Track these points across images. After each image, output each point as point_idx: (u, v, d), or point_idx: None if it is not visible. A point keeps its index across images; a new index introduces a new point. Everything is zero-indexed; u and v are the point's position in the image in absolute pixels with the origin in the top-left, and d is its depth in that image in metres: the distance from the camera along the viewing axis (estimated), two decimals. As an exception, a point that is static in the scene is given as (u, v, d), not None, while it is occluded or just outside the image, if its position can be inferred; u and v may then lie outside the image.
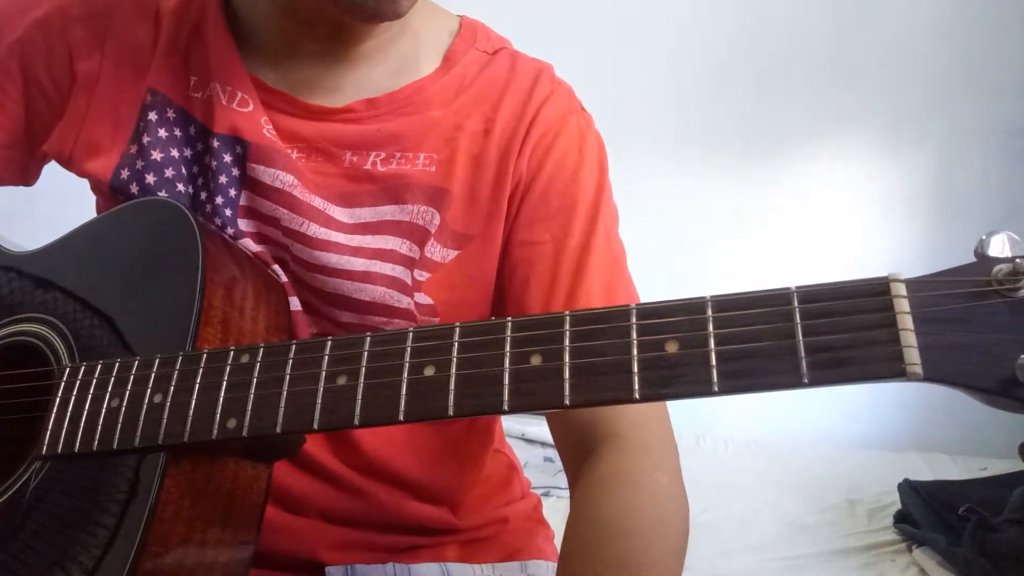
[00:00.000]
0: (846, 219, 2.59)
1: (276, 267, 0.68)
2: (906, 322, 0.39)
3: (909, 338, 0.38)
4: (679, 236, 2.56)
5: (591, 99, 0.75)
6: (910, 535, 1.88)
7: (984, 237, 0.40)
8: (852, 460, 2.35)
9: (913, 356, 0.38)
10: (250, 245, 0.68)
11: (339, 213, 0.67)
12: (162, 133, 0.69)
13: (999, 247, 0.40)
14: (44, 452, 0.55)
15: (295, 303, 0.68)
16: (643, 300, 0.45)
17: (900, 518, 1.95)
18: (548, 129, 0.70)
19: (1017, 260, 0.38)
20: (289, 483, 0.69)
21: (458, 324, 0.46)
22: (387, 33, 0.69)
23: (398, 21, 0.69)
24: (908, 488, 1.98)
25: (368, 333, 0.48)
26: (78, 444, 0.54)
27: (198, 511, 0.54)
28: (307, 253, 0.66)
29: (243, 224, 0.68)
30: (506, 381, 0.44)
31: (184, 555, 0.53)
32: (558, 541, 0.88)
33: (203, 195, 0.68)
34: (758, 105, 2.56)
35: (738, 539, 1.85)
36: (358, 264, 0.66)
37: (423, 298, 0.68)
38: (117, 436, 0.52)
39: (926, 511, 1.89)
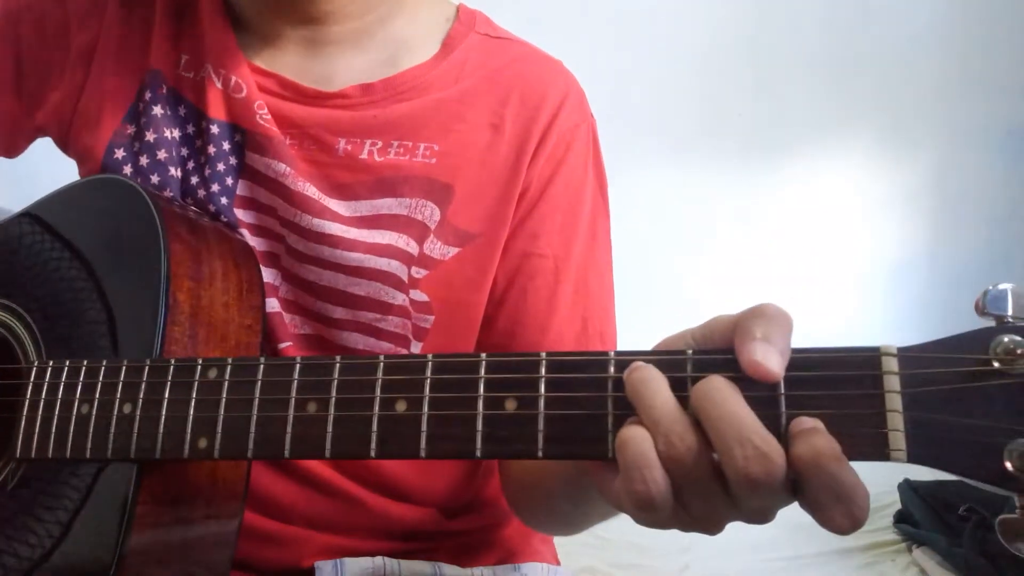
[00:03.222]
0: (846, 218, 2.58)
1: (266, 269, 0.67)
2: (895, 402, 0.37)
3: (896, 420, 0.37)
4: (678, 235, 2.55)
5: (590, 97, 0.75)
6: (910, 535, 1.88)
7: (989, 288, 0.38)
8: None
9: (898, 441, 0.37)
10: (246, 238, 0.67)
11: (335, 205, 0.66)
12: (156, 111, 0.68)
13: (1001, 302, 0.37)
14: (18, 455, 0.55)
15: (285, 304, 0.67)
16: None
17: (900, 518, 1.94)
18: (561, 139, 0.69)
19: (1017, 338, 0.36)
20: (275, 490, 0.68)
21: (430, 357, 0.45)
22: (370, 15, 0.68)
23: (385, 4, 0.68)
24: (908, 488, 1.97)
25: (337, 357, 0.47)
26: (51, 450, 0.54)
27: (178, 512, 0.54)
28: (302, 244, 0.65)
29: (241, 214, 0.67)
30: (479, 427, 0.42)
31: (168, 547, 0.53)
32: (558, 543, 0.88)
33: (194, 179, 0.67)
34: (758, 104, 2.55)
35: (738, 539, 1.84)
36: (353, 258, 0.65)
37: (419, 295, 0.67)
38: (89, 445, 0.52)
39: (926, 511, 1.88)
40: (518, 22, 0.77)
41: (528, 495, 0.67)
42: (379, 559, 0.70)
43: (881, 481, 2.12)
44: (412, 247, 0.66)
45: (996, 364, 0.36)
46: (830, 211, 2.59)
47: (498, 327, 0.69)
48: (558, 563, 0.82)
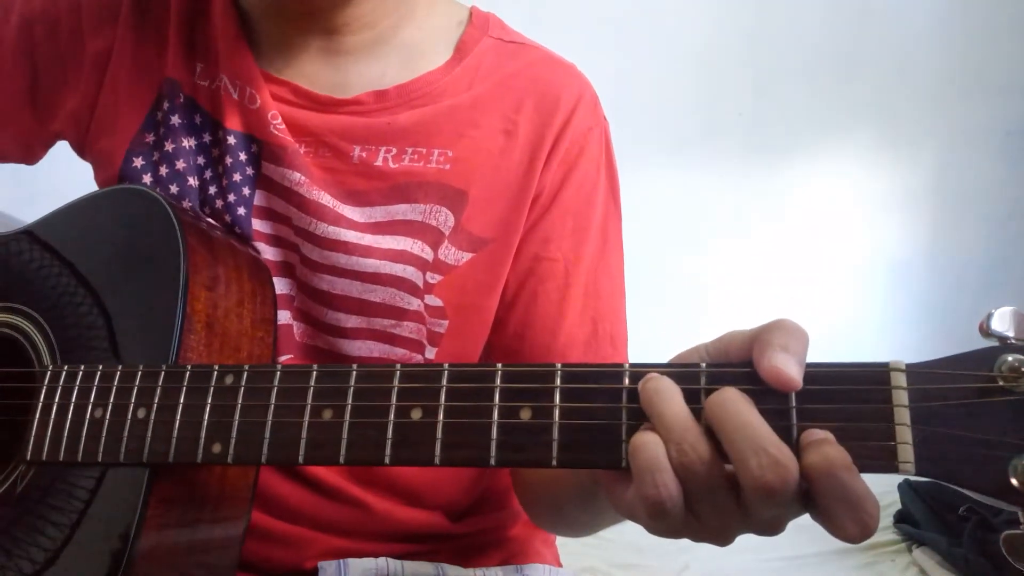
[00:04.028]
0: (846, 218, 2.59)
1: (281, 279, 0.67)
2: (903, 416, 0.38)
3: (905, 434, 0.38)
4: (679, 235, 2.55)
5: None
6: (910, 535, 1.88)
7: (992, 311, 0.38)
8: (852, 460, 2.34)
9: (907, 454, 0.38)
10: (262, 249, 0.67)
11: (350, 211, 0.66)
12: (174, 121, 0.68)
13: (1004, 324, 0.38)
14: (29, 458, 0.55)
15: (297, 315, 0.67)
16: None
17: (900, 518, 1.95)
18: (574, 143, 0.69)
19: (1021, 357, 0.37)
20: (282, 492, 0.68)
21: (447, 365, 0.45)
22: (384, 23, 0.68)
23: (398, 11, 0.68)
24: (908, 488, 1.98)
25: (354, 365, 0.47)
26: (62, 453, 0.54)
27: (187, 515, 0.54)
28: (317, 252, 0.65)
29: (258, 225, 0.67)
30: (494, 435, 0.43)
31: (175, 549, 0.53)
32: (559, 543, 0.88)
33: (212, 189, 0.67)
34: (758, 104, 2.55)
35: (738, 539, 1.84)
36: (369, 265, 0.65)
37: (434, 300, 0.67)
38: (101, 449, 0.52)
39: (926, 511, 1.89)
40: (518, 22, 0.77)
41: (540, 501, 0.68)
42: (382, 560, 0.70)
43: (881, 481, 2.12)
44: (427, 253, 0.66)
45: (1001, 382, 0.37)
46: (830, 211, 2.59)
47: (509, 330, 0.69)
48: (560, 565, 0.83)
